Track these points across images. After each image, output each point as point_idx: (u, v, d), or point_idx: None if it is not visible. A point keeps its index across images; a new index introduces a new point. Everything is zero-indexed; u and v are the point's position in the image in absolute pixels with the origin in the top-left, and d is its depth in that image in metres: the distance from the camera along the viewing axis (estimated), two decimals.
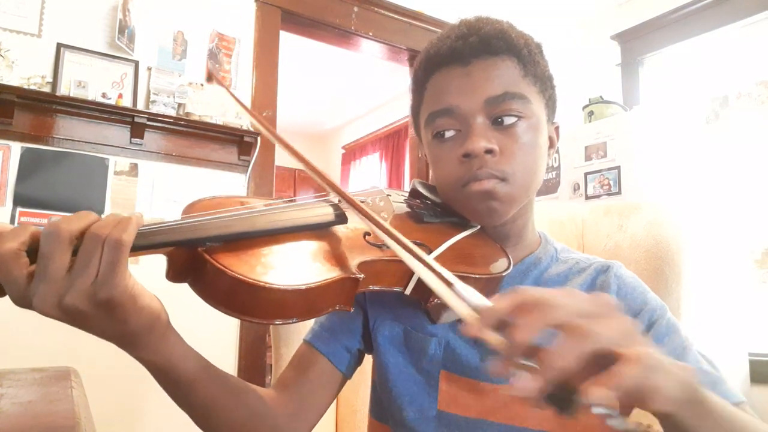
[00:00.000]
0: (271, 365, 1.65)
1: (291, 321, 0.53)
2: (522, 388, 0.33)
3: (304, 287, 0.50)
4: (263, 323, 0.54)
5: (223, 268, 0.48)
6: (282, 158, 2.55)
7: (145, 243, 0.46)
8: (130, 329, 0.48)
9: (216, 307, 0.50)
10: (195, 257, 0.50)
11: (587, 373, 0.34)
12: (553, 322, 0.36)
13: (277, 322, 0.52)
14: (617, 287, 0.69)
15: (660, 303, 0.69)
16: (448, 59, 0.68)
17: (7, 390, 0.76)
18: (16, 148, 1.89)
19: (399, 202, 0.73)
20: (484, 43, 0.67)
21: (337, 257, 0.56)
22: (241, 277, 0.48)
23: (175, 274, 0.51)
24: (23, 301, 0.43)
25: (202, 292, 0.51)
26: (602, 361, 0.34)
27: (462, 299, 0.41)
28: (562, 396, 0.34)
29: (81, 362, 1.17)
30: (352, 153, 5.88)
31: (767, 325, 2.17)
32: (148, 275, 0.58)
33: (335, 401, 1.05)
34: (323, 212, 0.60)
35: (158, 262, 0.50)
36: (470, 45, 0.67)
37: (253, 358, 2.21)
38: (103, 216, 0.45)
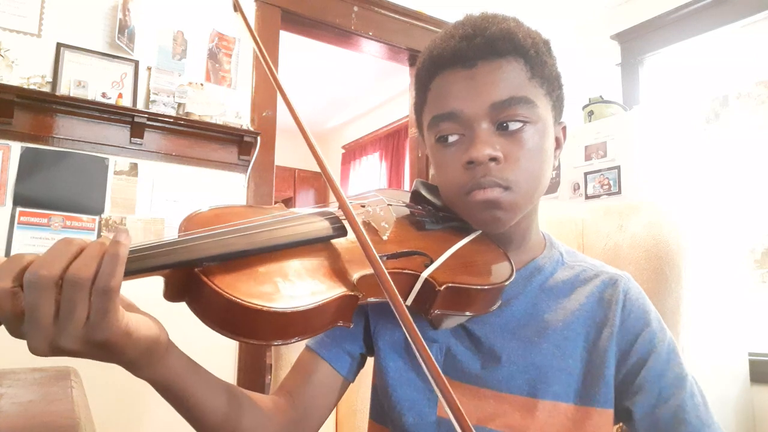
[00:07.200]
0: (271, 365, 1.65)
1: (291, 341, 0.51)
2: None
3: (303, 309, 0.49)
4: (262, 344, 0.53)
5: (219, 290, 0.47)
6: (282, 158, 2.54)
7: (139, 267, 0.45)
8: (127, 359, 0.47)
9: (214, 329, 0.49)
10: (191, 278, 0.48)
11: None
12: None
13: (277, 343, 0.51)
14: (623, 304, 0.68)
15: (661, 326, 0.68)
16: (452, 61, 0.66)
17: (7, 390, 0.76)
18: (16, 147, 1.89)
19: (400, 207, 0.72)
20: (489, 44, 0.65)
21: (337, 273, 0.55)
22: (239, 300, 0.47)
23: (172, 294, 0.50)
24: (19, 336, 0.42)
25: (200, 312, 0.49)
26: None
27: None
28: None
29: (81, 362, 1.16)
30: (352, 153, 5.87)
31: (767, 325, 2.17)
32: (144, 288, 0.55)
33: None
34: (322, 226, 0.58)
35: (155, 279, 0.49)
36: (475, 46, 0.65)
37: (253, 358, 2.21)
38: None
